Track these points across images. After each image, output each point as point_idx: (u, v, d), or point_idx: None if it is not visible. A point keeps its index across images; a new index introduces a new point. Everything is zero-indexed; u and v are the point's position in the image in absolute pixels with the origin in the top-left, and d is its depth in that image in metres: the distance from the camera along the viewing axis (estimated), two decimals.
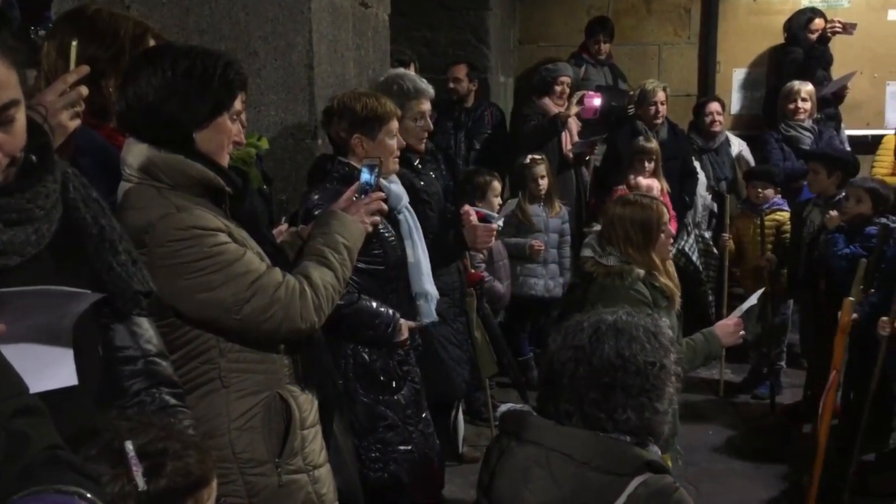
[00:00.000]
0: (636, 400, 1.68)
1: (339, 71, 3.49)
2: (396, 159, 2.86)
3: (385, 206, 2.23)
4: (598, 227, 3.10)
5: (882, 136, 5.92)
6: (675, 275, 2.97)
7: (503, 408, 1.85)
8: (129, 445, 1.20)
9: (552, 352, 1.75)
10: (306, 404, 1.96)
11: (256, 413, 1.88)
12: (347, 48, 3.60)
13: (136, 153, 1.82)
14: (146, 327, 1.58)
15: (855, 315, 3.59)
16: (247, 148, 3.00)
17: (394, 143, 2.81)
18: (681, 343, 2.88)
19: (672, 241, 4.73)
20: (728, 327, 2.93)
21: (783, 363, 5.30)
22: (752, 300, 3.10)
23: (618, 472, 1.63)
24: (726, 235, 5.17)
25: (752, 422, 4.89)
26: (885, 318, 3.48)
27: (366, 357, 2.76)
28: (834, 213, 4.35)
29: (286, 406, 1.90)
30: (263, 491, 1.88)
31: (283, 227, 2.60)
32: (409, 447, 2.84)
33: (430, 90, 3.34)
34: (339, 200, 2.21)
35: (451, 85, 5.58)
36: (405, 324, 2.80)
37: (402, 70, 3.66)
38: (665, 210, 2.95)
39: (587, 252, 2.95)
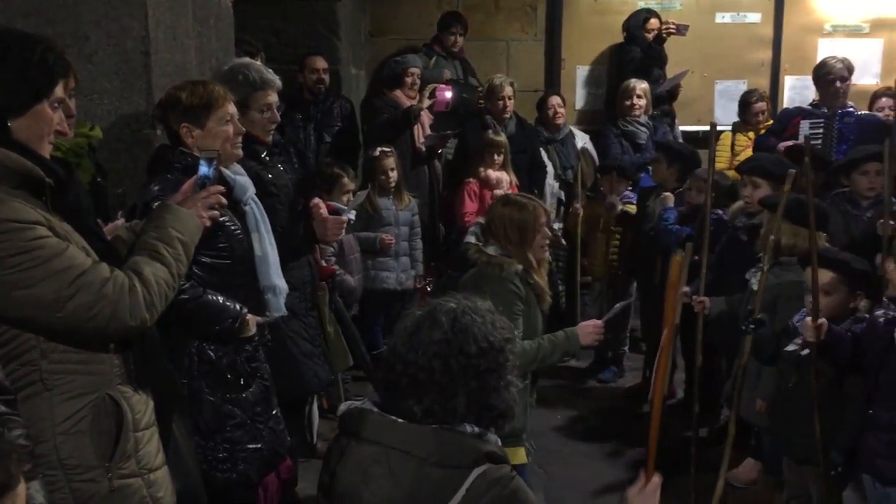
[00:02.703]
0: (506, 379, 1.70)
1: (178, 59, 3.36)
2: (238, 145, 2.77)
3: (224, 200, 2.17)
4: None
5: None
6: (546, 278, 3.11)
7: (342, 406, 1.82)
8: None
9: (403, 353, 1.69)
10: (140, 405, 1.88)
11: (84, 416, 1.79)
12: (188, 35, 3.47)
13: None
14: None
15: (687, 289, 3.83)
16: (78, 138, 2.85)
17: (228, 128, 2.70)
18: (543, 338, 3.01)
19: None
20: (588, 327, 3.07)
21: (626, 348, 5.58)
22: (617, 308, 3.30)
23: (457, 466, 1.64)
24: (577, 204, 5.36)
25: (597, 405, 5.11)
26: (696, 297, 3.73)
27: (211, 354, 2.68)
28: (668, 193, 4.63)
29: (117, 408, 1.82)
30: (93, 498, 1.79)
31: (120, 221, 2.48)
32: (259, 445, 2.78)
33: (277, 81, 3.27)
34: (175, 194, 2.13)
35: (313, 76, 5.50)
36: (252, 319, 2.74)
37: (247, 60, 3.56)
38: (543, 212, 3.08)
39: (471, 239, 3.05)
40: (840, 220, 4.10)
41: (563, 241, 5.79)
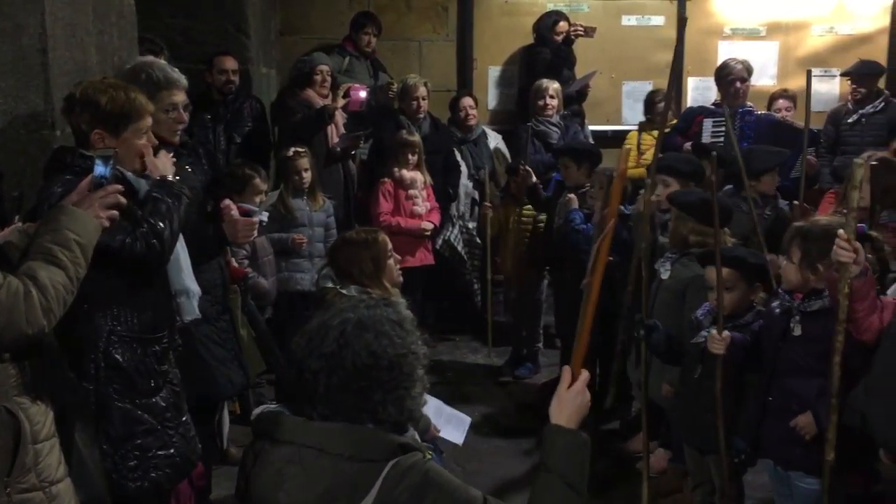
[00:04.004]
0: (394, 394, 1.69)
1: (78, 57, 3.25)
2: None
3: (123, 199, 2.10)
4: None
5: (620, 132, 6.51)
6: None
7: (256, 410, 1.81)
8: None
9: (300, 359, 1.71)
10: (39, 416, 1.81)
11: None
12: (88, 33, 3.36)
13: None
14: None
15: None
16: None
17: (143, 142, 2.65)
18: None
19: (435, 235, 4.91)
20: (432, 430, 3.14)
21: (540, 344, 5.67)
22: (458, 437, 3.33)
23: (372, 460, 1.65)
24: (488, 204, 5.41)
25: (514, 401, 5.17)
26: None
27: (118, 358, 2.58)
28: (571, 195, 4.73)
29: (14, 419, 1.75)
30: None
31: (17, 225, 2.38)
32: (171, 451, 2.71)
33: (183, 80, 3.20)
34: (70, 195, 2.06)
35: (222, 77, 5.39)
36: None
37: (151, 58, 3.47)
38: (387, 239, 3.18)
39: (328, 283, 3.07)
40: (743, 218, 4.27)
41: (479, 240, 5.84)
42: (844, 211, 3.77)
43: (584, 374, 1.84)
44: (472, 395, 5.14)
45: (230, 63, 5.45)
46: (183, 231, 2.89)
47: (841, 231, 2.59)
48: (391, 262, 3.15)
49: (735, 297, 3.11)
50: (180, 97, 3.17)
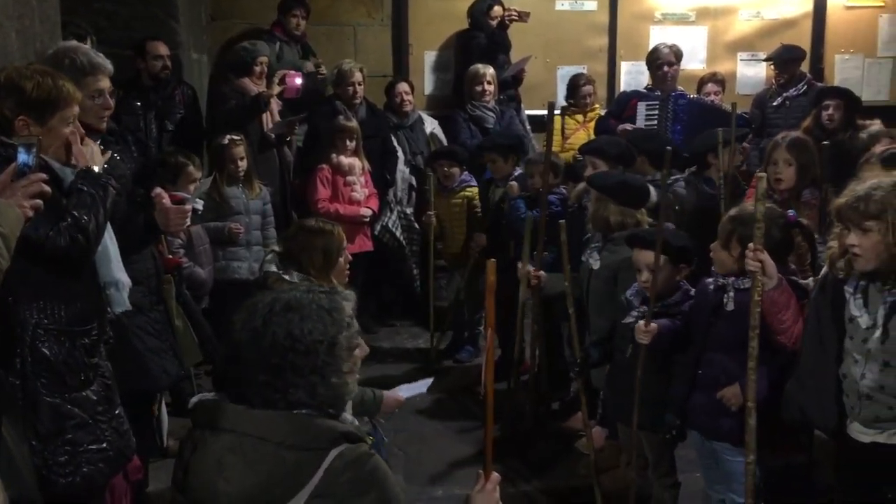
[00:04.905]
0: (307, 379, 1.69)
1: None
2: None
3: (47, 188, 2.05)
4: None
5: (556, 116, 6.58)
6: None
7: (193, 399, 1.79)
8: None
9: (230, 333, 1.73)
10: None
11: None
12: (8, 17, 3.24)
13: None
14: None
15: (541, 272, 3.99)
16: None
17: (70, 130, 2.57)
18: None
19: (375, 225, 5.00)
20: (393, 400, 3.12)
21: (481, 328, 5.70)
22: (422, 388, 3.30)
23: (313, 448, 1.65)
24: (431, 213, 5.42)
25: (455, 385, 5.20)
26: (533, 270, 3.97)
27: (46, 352, 2.52)
28: (514, 183, 4.78)
29: None
30: None
31: None
32: (103, 445, 2.65)
33: (108, 65, 3.12)
34: None
35: (158, 63, 5.26)
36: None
37: (74, 43, 3.36)
38: (344, 236, 3.07)
39: (272, 268, 3.00)
40: (695, 198, 4.39)
41: (417, 226, 5.84)
42: (772, 194, 3.92)
43: (495, 476, 1.94)
44: (412, 380, 5.10)
45: (163, 49, 5.33)
46: (112, 221, 2.83)
47: (751, 244, 2.71)
48: (342, 260, 3.04)
49: (661, 279, 3.17)
50: (106, 83, 3.10)
